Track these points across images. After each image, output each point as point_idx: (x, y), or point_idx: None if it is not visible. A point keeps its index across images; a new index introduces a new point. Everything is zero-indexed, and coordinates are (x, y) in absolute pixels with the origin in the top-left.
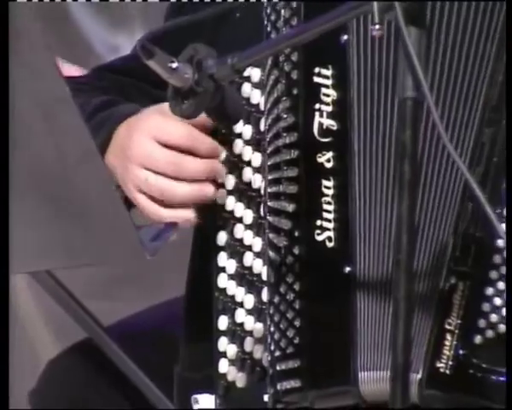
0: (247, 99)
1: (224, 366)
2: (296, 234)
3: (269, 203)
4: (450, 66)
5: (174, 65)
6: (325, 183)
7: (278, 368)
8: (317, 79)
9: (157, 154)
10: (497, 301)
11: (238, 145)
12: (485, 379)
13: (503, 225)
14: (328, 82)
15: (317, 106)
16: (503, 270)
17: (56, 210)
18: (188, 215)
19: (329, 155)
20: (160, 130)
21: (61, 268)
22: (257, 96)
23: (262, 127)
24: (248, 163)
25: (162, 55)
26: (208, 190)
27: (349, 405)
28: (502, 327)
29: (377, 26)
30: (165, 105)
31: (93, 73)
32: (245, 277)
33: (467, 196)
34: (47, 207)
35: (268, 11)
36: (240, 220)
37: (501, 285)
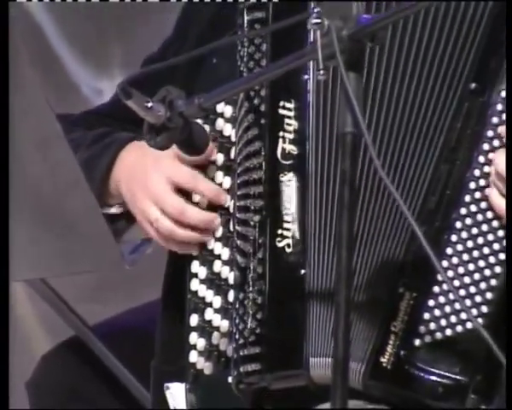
0: (220, 132)
1: (193, 356)
2: (260, 241)
3: (237, 215)
4: (411, 111)
5: (149, 104)
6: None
7: (241, 354)
8: (281, 111)
9: (167, 198)
10: (437, 312)
11: (212, 170)
12: (419, 377)
13: (449, 249)
14: (291, 114)
15: (281, 133)
16: (445, 286)
17: (50, 227)
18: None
19: (290, 174)
20: (174, 173)
21: (54, 276)
22: (228, 130)
23: (232, 155)
24: (220, 185)
25: (139, 96)
26: (205, 239)
27: (300, 386)
28: (438, 335)
29: (322, 72)
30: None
31: (83, 115)
32: (214, 281)
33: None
34: (42, 224)
35: (241, 54)
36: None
37: (441, 299)
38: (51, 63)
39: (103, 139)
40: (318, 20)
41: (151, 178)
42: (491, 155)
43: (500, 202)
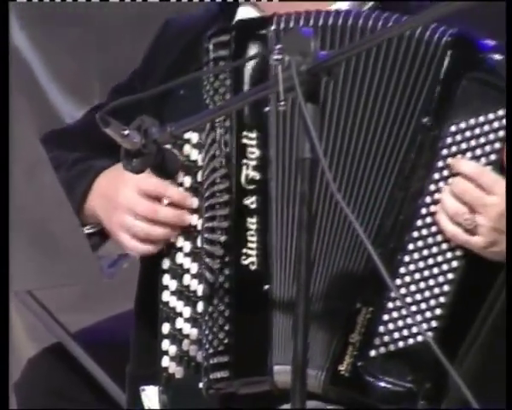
0: (188, 156)
1: (166, 361)
2: (227, 259)
3: (206, 235)
4: (367, 141)
5: (126, 132)
6: (250, 220)
7: (211, 362)
8: (244, 141)
9: (138, 203)
10: (391, 326)
11: (180, 192)
12: (374, 384)
13: (402, 269)
14: (253, 142)
15: (244, 161)
16: (398, 302)
17: (36, 243)
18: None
19: (253, 198)
20: (141, 182)
21: (39, 289)
22: (195, 155)
23: (199, 178)
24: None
25: (116, 124)
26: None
27: (265, 390)
28: (392, 347)
29: (282, 103)
30: None
31: (57, 133)
32: (183, 293)
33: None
34: (29, 241)
35: (207, 88)
36: (180, 249)
37: (395, 314)
38: (38, 96)
39: (79, 165)
40: (280, 56)
41: (122, 192)
42: (441, 184)
43: (449, 227)
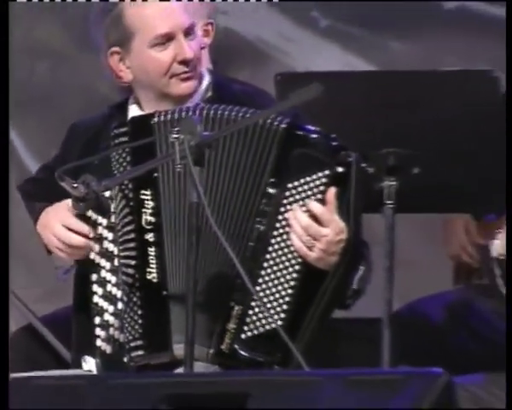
0: None
1: (99, 342)
2: (137, 276)
3: (121, 261)
4: (234, 193)
5: (75, 185)
6: (150, 249)
7: (131, 345)
8: (142, 196)
9: (58, 230)
10: (254, 317)
11: (99, 229)
12: (244, 357)
13: (260, 279)
14: (149, 197)
15: (143, 210)
16: (258, 302)
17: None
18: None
19: (152, 234)
20: (62, 218)
21: (19, 288)
22: None
23: (113, 219)
24: (106, 238)
25: (68, 180)
26: (76, 253)
27: (168, 361)
28: (255, 331)
29: (179, 166)
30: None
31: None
32: (107, 296)
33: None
34: (16, 259)
35: (115, 163)
36: (103, 267)
37: (256, 309)
38: (17, 162)
39: (29, 207)
40: (177, 135)
41: (51, 221)
42: (283, 223)
43: (297, 244)
